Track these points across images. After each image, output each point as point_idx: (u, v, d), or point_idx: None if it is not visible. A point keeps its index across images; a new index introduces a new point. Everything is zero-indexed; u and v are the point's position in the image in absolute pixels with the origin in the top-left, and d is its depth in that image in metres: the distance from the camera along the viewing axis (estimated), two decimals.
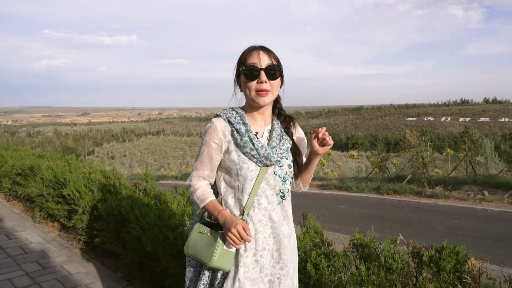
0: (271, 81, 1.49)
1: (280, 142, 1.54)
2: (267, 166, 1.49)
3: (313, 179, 14.89)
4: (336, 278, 1.57)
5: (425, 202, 9.98)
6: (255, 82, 1.47)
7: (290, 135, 1.61)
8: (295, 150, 1.61)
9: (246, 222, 1.46)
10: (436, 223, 7.92)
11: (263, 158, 1.47)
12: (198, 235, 1.50)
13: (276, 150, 1.51)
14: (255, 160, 1.47)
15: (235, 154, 1.49)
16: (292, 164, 1.57)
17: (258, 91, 1.48)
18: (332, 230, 7.15)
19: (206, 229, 1.50)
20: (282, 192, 1.52)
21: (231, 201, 1.51)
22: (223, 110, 1.57)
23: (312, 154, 1.58)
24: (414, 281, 1.56)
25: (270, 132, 1.57)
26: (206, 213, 1.56)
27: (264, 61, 1.48)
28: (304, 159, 1.67)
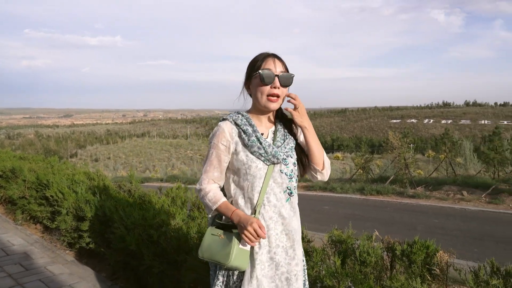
0: (283, 88, 1.57)
1: (284, 142, 1.61)
2: (274, 164, 1.55)
3: (298, 181, 15.02)
4: (314, 272, 1.64)
5: (407, 202, 10.22)
6: (268, 87, 1.54)
7: (294, 136, 1.68)
8: (299, 150, 1.68)
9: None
10: (417, 222, 8.12)
11: (270, 156, 1.53)
12: (211, 238, 1.53)
13: (281, 149, 1.57)
14: (262, 158, 1.53)
15: (243, 154, 1.54)
16: (296, 162, 1.64)
17: (269, 96, 1.55)
18: (317, 230, 7.25)
19: (219, 231, 1.53)
20: (289, 189, 1.57)
21: (241, 201, 1.55)
22: (229, 114, 1.64)
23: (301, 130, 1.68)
24: (388, 274, 1.65)
25: (274, 133, 1.65)
26: (217, 216, 1.60)
27: (278, 67, 1.57)
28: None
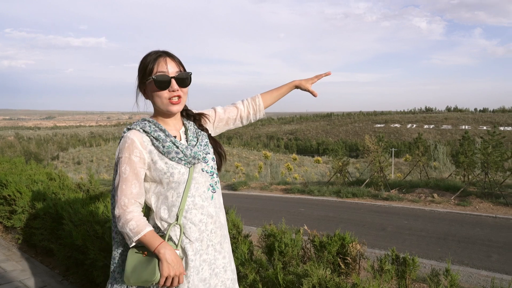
0: (182, 88, 1.48)
1: (198, 139, 1.55)
2: (194, 165, 1.49)
3: (277, 184, 15.20)
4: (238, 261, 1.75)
5: (380, 204, 10.47)
6: (166, 91, 1.45)
7: (206, 131, 1.64)
8: (214, 143, 1.63)
9: (183, 227, 1.44)
10: (387, 223, 8.35)
11: (190, 159, 1.46)
12: (135, 258, 1.39)
13: (198, 148, 1.51)
14: (183, 162, 1.45)
15: (161, 163, 1.44)
16: (214, 157, 1.60)
17: (170, 99, 1.46)
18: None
19: (141, 250, 1.40)
20: (212, 186, 1.54)
21: (164, 212, 1.45)
22: (133, 123, 1.50)
23: (294, 86, 1.76)
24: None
25: (186, 133, 1.58)
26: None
27: (172, 68, 1.47)
28: (240, 118, 1.75)
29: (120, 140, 1.48)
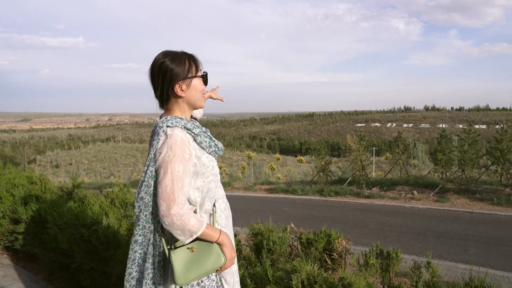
0: None
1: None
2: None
3: (261, 184, 15.27)
4: None
5: (363, 202, 10.67)
6: (204, 87, 1.55)
7: None
8: None
9: (214, 213, 1.53)
10: (369, 220, 8.53)
11: (220, 151, 1.55)
12: (184, 256, 1.39)
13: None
14: (216, 156, 1.54)
15: (204, 157, 1.49)
16: None
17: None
18: None
19: (189, 246, 1.41)
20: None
21: (208, 204, 1.50)
22: (168, 120, 1.46)
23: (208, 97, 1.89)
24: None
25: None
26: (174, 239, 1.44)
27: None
28: None
29: (157, 137, 1.44)
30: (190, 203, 1.49)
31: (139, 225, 1.44)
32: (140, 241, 1.45)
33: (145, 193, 1.42)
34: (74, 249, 2.29)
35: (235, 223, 1.72)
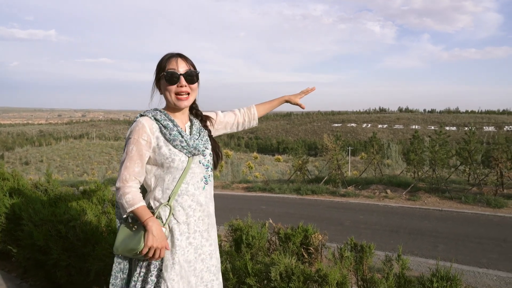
0: (190, 85, 1.66)
1: (200, 135, 1.72)
2: (194, 155, 1.65)
3: (239, 182, 15.30)
4: None
5: (338, 200, 10.90)
6: (175, 86, 1.63)
7: (208, 131, 1.83)
8: (214, 143, 1.81)
9: (173, 208, 1.59)
10: (344, 218, 8.74)
11: (192, 149, 1.62)
12: (125, 232, 1.56)
13: (199, 141, 1.68)
14: (185, 151, 1.61)
15: (165, 149, 1.59)
16: (212, 153, 1.77)
17: (177, 94, 1.64)
18: None
19: (132, 224, 1.58)
20: (206, 178, 1.70)
21: (158, 193, 1.61)
22: (146, 111, 1.66)
23: (284, 101, 2.01)
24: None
25: (190, 127, 1.75)
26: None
27: (182, 67, 1.65)
28: (242, 121, 1.98)
29: (132, 123, 1.64)
30: (145, 186, 1.67)
31: None
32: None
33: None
34: (51, 245, 2.26)
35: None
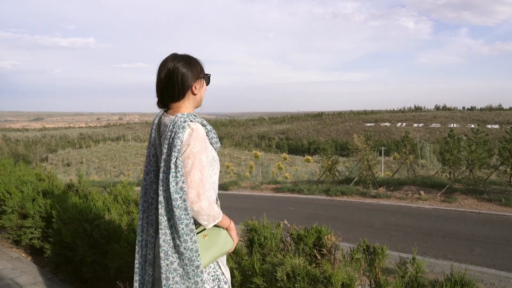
0: None
1: None
2: None
3: (268, 183, 15.31)
4: None
5: (369, 202, 10.65)
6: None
7: None
8: None
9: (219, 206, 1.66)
10: (374, 220, 8.52)
11: (218, 148, 1.67)
12: (201, 242, 1.51)
13: None
14: (217, 151, 1.67)
15: (213, 152, 1.62)
16: None
17: None
18: None
19: (202, 233, 1.53)
20: None
21: (213, 195, 1.60)
22: (188, 116, 1.56)
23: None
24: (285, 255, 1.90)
25: None
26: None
27: None
28: None
29: (182, 130, 1.50)
30: None
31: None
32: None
33: (182, 182, 1.45)
34: (77, 242, 2.39)
35: (240, 221, 1.80)
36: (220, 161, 1.68)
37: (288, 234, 2.03)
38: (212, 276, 1.59)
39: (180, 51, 1.69)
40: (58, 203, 2.83)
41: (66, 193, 3.35)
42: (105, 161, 64.83)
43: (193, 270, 1.45)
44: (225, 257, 1.69)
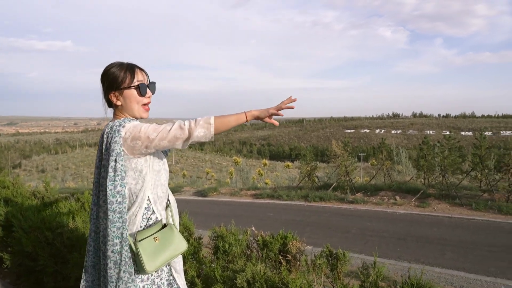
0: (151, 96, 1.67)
1: None
2: None
3: (247, 189, 15.27)
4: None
5: (346, 207, 10.77)
6: (143, 98, 1.61)
7: None
8: None
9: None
10: (352, 225, 8.61)
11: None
12: (150, 246, 1.46)
13: None
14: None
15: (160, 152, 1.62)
16: None
17: (143, 105, 1.62)
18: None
19: (153, 236, 1.48)
20: None
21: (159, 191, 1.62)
22: (123, 120, 1.56)
23: (253, 116, 1.64)
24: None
25: None
26: (136, 233, 1.47)
27: (145, 78, 1.64)
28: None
29: (118, 133, 1.49)
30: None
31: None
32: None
33: (120, 186, 1.43)
34: (39, 252, 2.31)
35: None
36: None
37: (254, 240, 2.02)
38: (167, 280, 1.57)
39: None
40: (20, 211, 2.72)
41: (30, 201, 3.23)
42: (82, 167, 63.20)
43: (124, 274, 1.42)
44: (181, 262, 1.66)
